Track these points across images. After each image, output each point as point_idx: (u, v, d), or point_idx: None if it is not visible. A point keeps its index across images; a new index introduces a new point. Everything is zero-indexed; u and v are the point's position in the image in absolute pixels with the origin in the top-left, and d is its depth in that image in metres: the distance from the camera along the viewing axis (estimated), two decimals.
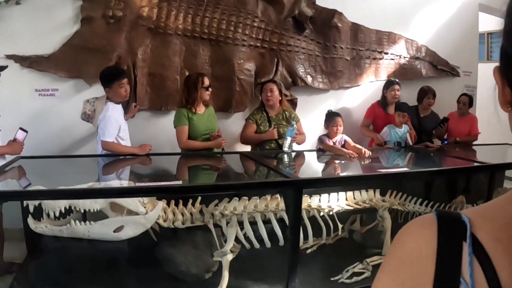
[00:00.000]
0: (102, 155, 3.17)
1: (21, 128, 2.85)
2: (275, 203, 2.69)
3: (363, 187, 3.13)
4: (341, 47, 4.36)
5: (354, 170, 3.54)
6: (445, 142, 4.41)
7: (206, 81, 3.37)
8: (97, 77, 3.20)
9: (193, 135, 3.36)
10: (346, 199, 3.11)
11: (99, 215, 2.47)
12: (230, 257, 2.58)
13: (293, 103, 4.23)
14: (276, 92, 3.64)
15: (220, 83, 4.00)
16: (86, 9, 3.54)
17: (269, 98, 3.62)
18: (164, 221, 2.54)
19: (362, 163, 3.49)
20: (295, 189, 2.48)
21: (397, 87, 4.14)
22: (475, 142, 4.59)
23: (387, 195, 3.31)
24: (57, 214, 2.33)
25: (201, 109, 3.41)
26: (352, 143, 3.69)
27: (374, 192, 3.23)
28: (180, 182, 2.54)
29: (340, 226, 3.00)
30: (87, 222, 2.44)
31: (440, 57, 4.88)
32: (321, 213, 2.98)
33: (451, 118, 4.52)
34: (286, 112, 3.75)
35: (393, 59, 4.63)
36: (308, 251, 3.25)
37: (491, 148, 4.67)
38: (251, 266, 2.89)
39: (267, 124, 3.65)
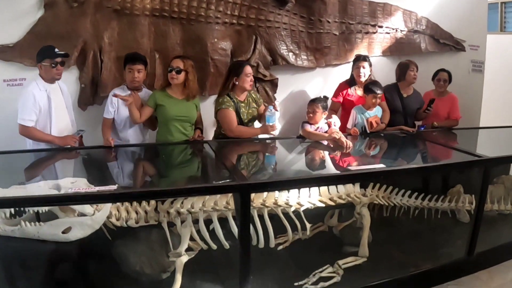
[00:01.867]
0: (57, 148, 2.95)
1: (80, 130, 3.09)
2: None
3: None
4: (328, 21, 3.95)
5: (319, 166, 3.18)
6: (422, 128, 3.96)
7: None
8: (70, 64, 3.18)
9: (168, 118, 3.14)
10: (320, 195, 2.81)
11: (54, 216, 2.30)
12: (184, 258, 2.39)
13: (274, 83, 3.90)
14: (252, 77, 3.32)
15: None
16: None
17: (251, 84, 3.29)
18: (117, 219, 2.38)
19: (333, 155, 3.15)
20: (241, 193, 2.21)
21: (363, 63, 3.70)
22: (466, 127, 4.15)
23: (369, 188, 2.99)
24: (8, 215, 2.25)
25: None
26: (335, 129, 3.33)
27: (354, 185, 2.92)
28: (114, 187, 2.27)
29: (308, 226, 2.74)
30: (37, 223, 2.28)
31: (443, 30, 4.39)
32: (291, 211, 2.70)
33: (426, 98, 4.05)
34: (252, 94, 3.43)
35: (388, 33, 4.19)
36: (280, 247, 2.99)
37: (500, 131, 4.22)
38: (208, 268, 2.67)
39: (241, 111, 3.31)
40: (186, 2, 3.56)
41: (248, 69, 3.25)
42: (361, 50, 4.13)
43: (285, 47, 3.90)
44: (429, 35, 4.33)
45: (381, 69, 4.06)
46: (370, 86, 3.57)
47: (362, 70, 3.67)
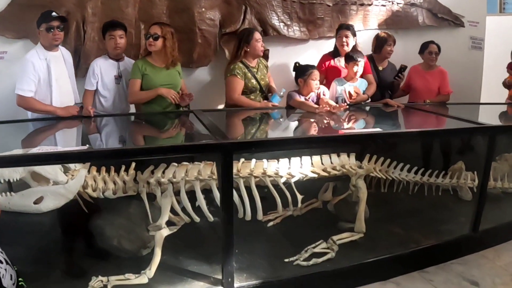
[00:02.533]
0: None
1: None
2: None
3: (314, 152, 2.63)
4: None
5: (310, 132, 2.99)
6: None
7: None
8: None
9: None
10: (312, 165, 2.60)
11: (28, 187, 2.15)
12: (165, 232, 2.19)
13: (264, 55, 3.69)
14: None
15: (180, 35, 3.44)
16: None
17: (262, 49, 3.30)
18: (94, 190, 2.21)
19: (324, 122, 2.95)
20: (222, 153, 2.01)
21: (346, 32, 3.48)
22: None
23: (365, 160, 2.77)
24: None
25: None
26: (326, 99, 3.14)
27: (349, 156, 2.71)
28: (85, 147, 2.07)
29: (300, 197, 2.51)
30: (8, 193, 2.11)
31: (441, 5, 4.22)
32: (281, 182, 2.49)
33: (414, 73, 3.87)
34: (262, 61, 3.42)
35: (384, 6, 4.00)
36: (270, 224, 2.78)
37: (498, 108, 4.03)
38: (192, 243, 2.48)
39: (252, 77, 3.27)
40: None
41: (258, 35, 3.25)
42: (356, 22, 3.93)
43: (276, 18, 3.71)
44: (426, 9, 4.14)
45: None
46: (350, 54, 3.39)
47: (345, 39, 3.47)
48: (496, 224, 3.01)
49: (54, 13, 2.77)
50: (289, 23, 3.74)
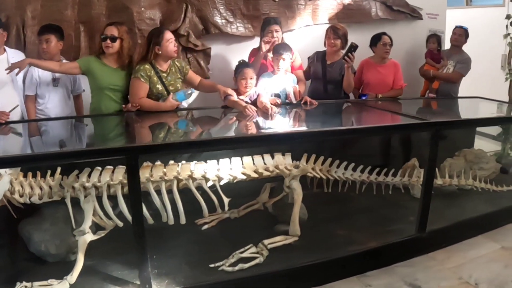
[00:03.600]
0: None
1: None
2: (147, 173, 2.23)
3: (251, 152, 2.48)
4: None
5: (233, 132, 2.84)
6: (363, 97, 3.59)
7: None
8: None
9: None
10: (244, 166, 2.45)
11: None
12: (88, 237, 2.12)
13: (206, 53, 3.58)
14: (175, 43, 3.01)
15: None
16: None
17: (175, 50, 2.97)
18: (21, 196, 2.17)
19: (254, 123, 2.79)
20: (128, 157, 1.92)
21: (275, 27, 3.26)
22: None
23: (303, 159, 2.61)
24: None
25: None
26: (262, 99, 2.99)
27: (284, 156, 2.55)
28: None
29: (226, 200, 2.35)
30: None
31: None
32: (209, 184, 2.35)
33: (366, 66, 3.68)
34: (176, 63, 3.08)
35: None
36: (204, 227, 2.63)
37: (460, 102, 3.89)
38: (117, 248, 2.30)
39: (159, 82, 2.94)
40: None
41: (168, 35, 2.92)
42: (304, 17, 3.79)
43: (219, 15, 3.56)
44: (380, 2, 4.00)
45: None
46: (276, 47, 3.17)
47: (275, 34, 3.26)
48: (448, 223, 2.84)
49: None
50: (232, 19, 3.59)
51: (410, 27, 4.14)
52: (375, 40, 3.62)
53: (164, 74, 2.97)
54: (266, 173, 2.50)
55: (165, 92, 2.95)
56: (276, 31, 3.25)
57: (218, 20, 3.56)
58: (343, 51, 3.33)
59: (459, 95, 4.02)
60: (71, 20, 3.30)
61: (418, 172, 3.12)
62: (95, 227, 2.20)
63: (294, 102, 3.16)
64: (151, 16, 3.45)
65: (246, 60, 3.25)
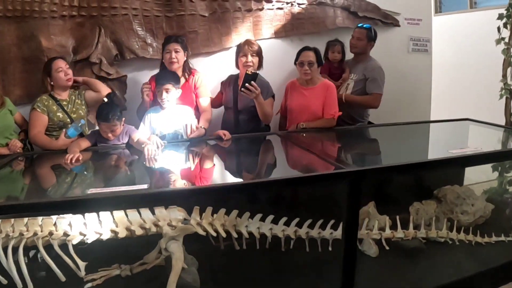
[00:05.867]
0: None
1: None
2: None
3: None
4: (191, 0, 3.08)
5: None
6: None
7: None
8: None
9: None
10: (114, 221, 1.97)
11: None
12: None
13: (122, 82, 3.11)
14: (69, 71, 2.73)
15: (29, 66, 3.06)
16: None
17: (68, 78, 2.71)
18: None
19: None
20: None
21: (175, 46, 2.74)
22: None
23: (194, 212, 2.03)
24: None
25: None
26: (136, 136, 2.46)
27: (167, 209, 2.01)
28: None
29: (82, 264, 1.91)
30: None
31: (364, 1, 3.34)
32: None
33: (291, 89, 2.93)
34: (76, 91, 2.81)
35: (281, 8, 3.22)
36: (88, 285, 2.13)
37: (448, 125, 3.04)
38: None
39: (60, 110, 2.69)
40: None
41: (57, 64, 2.69)
42: (242, 33, 3.19)
43: (135, 37, 3.09)
44: (341, 8, 3.30)
45: (275, 56, 3.08)
46: (157, 76, 2.69)
47: (173, 54, 2.73)
48: None
49: None
50: (151, 41, 3.09)
51: (384, 36, 3.36)
52: (296, 57, 2.85)
53: (65, 102, 2.71)
54: (140, 231, 1.98)
55: (68, 120, 2.67)
56: (176, 51, 2.73)
57: (134, 43, 3.08)
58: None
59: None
60: None
61: (374, 220, 2.39)
62: None
63: (185, 137, 2.60)
64: (63, 43, 3.07)
65: None
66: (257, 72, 2.55)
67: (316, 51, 2.76)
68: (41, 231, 1.92)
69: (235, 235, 2.15)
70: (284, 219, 2.20)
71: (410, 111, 3.30)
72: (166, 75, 2.63)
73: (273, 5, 3.19)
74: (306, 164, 2.30)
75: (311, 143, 2.67)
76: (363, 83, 3.05)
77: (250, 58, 2.72)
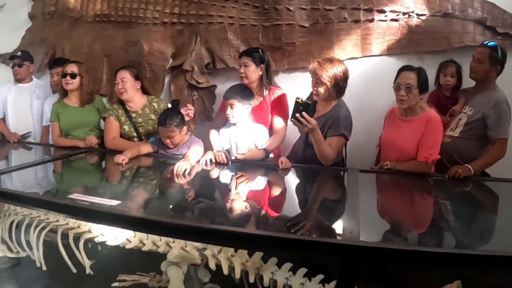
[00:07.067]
0: None
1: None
2: None
3: None
4: (289, 9, 2.78)
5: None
6: None
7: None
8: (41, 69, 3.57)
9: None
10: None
11: None
12: None
13: (211, 92, 3.02)
14: (129, 83, 2.62)
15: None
16: (33, 7, 3.70)
17: (121, 91, 2.64)
18: None
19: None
20: None
21: (243, 60, 2.53)
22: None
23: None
24: None
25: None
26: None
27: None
28: None
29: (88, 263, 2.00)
30: None
31: (502, 11, 2.64)
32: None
33: (388, 119, 2.38)
34: (153, 104, 2.73)
35: (396, 20, 2.71)
36: (114, 284, 2.21)
37: None
38: None
39: (127, 123, 2.69)
40: (129, 5, 3.20)
41: (119, 75, 2.66)
42: (348, 47, 2.78)
43: (228, 47, 2.94)
44: (474, 21, 2.65)
45: (386, 77, 2.56)
46: (227, 90, 2.46)
47: (242, 69, 2.51)
48: None
49: (18, 53, 3.23)
50: None
51: None
52: (395, 78, 2.28)
53: (134, 114, 2.68)
54: (149, 246, 1.91)
55: (134, 134, 2.67)
56: (245, 65, 2.48)
57: (226, 53, 2.95)
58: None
59: None
60: (98, 54, 3.39)
61: None
62: None
63: (232, 157, 2.38)
64: (162, 50, 3.12)
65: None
66: (310, 102, 2.09)
67: (419, 72, 2.18)
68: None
69: (252, 279, 1.81)
70: (320, 276, 1.76)
71: None
72: (233, 89, 2.43)
73: (386, 16, 2.71)
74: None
75: (391, 192, 2.17)
76: (479, 124, 2.34)
77: (316, 86, 2.29)
